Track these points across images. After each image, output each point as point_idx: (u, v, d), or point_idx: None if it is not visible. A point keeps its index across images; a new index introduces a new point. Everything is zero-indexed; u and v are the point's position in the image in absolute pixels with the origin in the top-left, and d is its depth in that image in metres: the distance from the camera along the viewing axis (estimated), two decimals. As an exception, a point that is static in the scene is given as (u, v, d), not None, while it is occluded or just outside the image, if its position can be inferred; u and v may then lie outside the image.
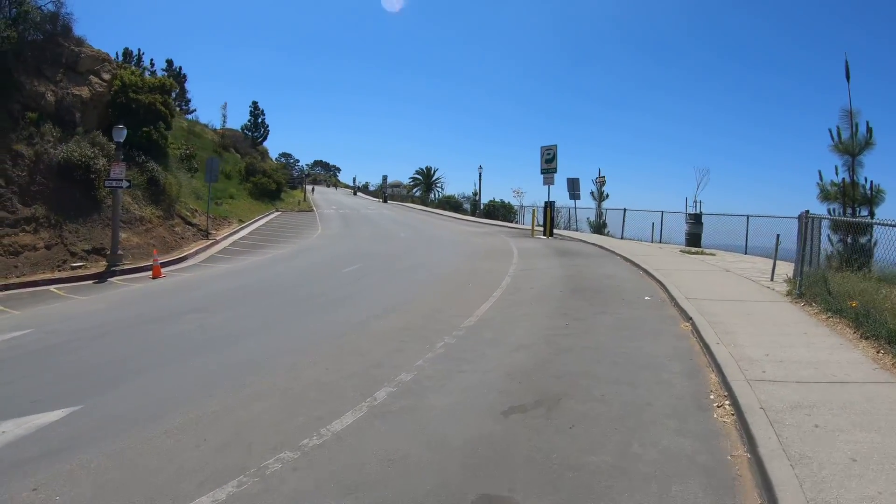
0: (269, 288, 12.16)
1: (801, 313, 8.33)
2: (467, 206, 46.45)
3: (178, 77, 40.36)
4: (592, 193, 28.55)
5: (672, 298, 9.65)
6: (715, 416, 4.75)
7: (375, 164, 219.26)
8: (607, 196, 28.34)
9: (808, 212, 9.91)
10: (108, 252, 15.00)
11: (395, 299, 10.31)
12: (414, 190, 69.40)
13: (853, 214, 11.93)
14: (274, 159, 57.77)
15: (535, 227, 26.09)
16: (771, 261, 12.23)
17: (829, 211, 12.21)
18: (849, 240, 10.86)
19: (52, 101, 16.72)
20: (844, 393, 4.92)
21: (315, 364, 6.37)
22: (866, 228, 10.28)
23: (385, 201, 60.35)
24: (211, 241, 20.38)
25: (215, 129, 42.14)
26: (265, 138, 49.30)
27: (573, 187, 27.86)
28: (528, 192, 57.17)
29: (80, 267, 14.47)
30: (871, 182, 11.89)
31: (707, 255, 17.05)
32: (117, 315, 9.60)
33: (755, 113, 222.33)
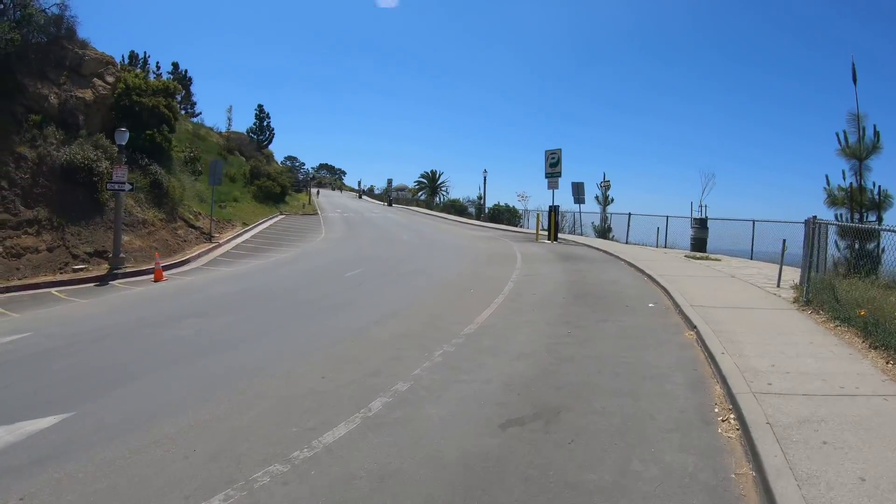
0: (269, 292, 12.07)
1: (808, 321, 8.17)
2: (472, 209, 46.39)
3: (183, 80, 40.48)
4: (597, 198, 28.47)
5: (676, 305, 9.51)
6: (719, 430, 4.60)
7: (381, 168, 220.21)
8: (612, 200, 28.25)
9: (815, 217, 9.75)
10: (111, 255, 14.97)
11: (396, 305, 10.21)
12: (419, 193, 69.41)
13: (861, 219, 11.78)
14: (279, 162, 57.92)
15: (540, 232, 25.98)
16: (777, 266, 12.07)
17: (836, 216, 12.07)
18: (856, 245, 10.71)
19: (56, 104, 16.72)
20: (853, 407, 4.77)
21: (311, 371, 6.26)
22: (874, 234, 10.12)
23: (390, 205, 60.38)
24: (214, 245, 20.34)
25: (220, 132, 42.25)
26: (270, 141, 49.39)
27: (578, 191, 27.74)
28: (533, 196, 57.19)
29: (81, 270, 14.44)
30: (879, 187, 11.77)
31: (712, 260, 16.89)
32: (117, 319, 9.53)
33: (761, 116, 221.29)
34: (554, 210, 25.13)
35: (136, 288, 13.12)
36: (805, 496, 3.33)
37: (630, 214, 24.85)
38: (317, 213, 40.77)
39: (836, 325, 7.64)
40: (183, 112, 36.27)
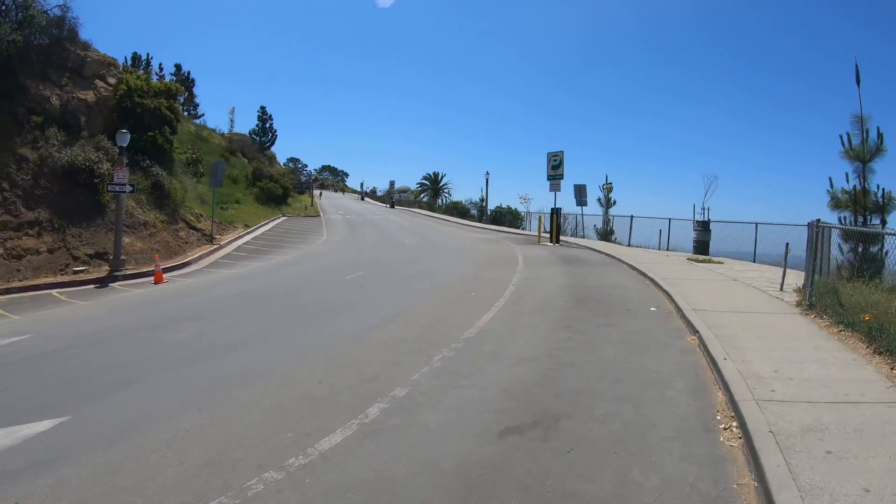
0: (270, 295, 12.03)
1: (811, 326, 8.09)
2: (474, 211, 46.35)
3: (186, 81, 40.55)
4: (599, 200, 28.37)
5: (678, 309, 9.43)
6: (721, 438, 4.53)
7: (383, 169, 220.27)
8: (614, 203, 28.16)
9: (819, 221, 9.67)
10: (111, 257, 14.96)
11: (396, 308, 10.15)
12: (421, 195, 69.34)
13: (864, 222, 11.70)
14: (282, 164, 57.97)
15: (542, 234, 25.90)
16: (780, 269, 11.99)
17: (839, 219, 11.98)
18: (859, 249, 10.62)
19: (58, 105, 16.74)
20: (857, 414, 4.69)
21: (309, 376, 6.20)
22: (878, 237, 10.04)
23: (392, 207, 60.32)
24: (215, 246, 20.33)
25: (223, 134, 42.30)
26: (273, 143, 49.39)
27: (580, 194, 27.68)
28: (535, 198, 57.11)
29: (82, 271, 14.43)
30: (883, 189, 11.68)
31: (715, 263, 16.80)
32: (116, 321, 9.51)
33: (765, 117, 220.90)
34: (556, 212, 25.07)
35: (137, 290, 13.10)
36: (808, 508, 3.26)
37: (632, 217, 24.79)
38: (319, 215, 40.76)
39: (840, 330, 7.56)
40: (185, 114, 36.34)
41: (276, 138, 49.54)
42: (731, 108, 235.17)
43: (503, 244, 24.14)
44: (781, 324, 8.19)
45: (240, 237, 23.86)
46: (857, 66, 11.84)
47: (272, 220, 31.79)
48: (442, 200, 62.99)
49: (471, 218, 44.88)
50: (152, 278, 14.34)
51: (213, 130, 40.50)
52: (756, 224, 17.84)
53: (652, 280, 12.88)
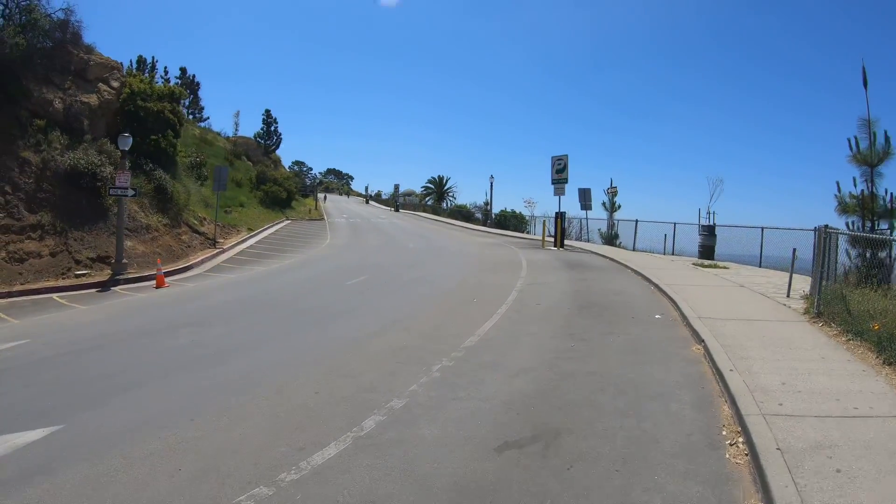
0: (270, 300, 11.94)
1: (819, 334, 7.93)
2: (479, 215, 46.29)
3: (191, 85, 40.69)
4: (604, 204, 28.22)
5: (684, 317, 9.28)
6: (727, 455, 4.37)
7: (388, 172, 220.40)
8: (619, 207, 27.99)
9: (826, 226, 9.50)
10: (113, 260, 14.90)
11: (397, 314, 10.03)
12: (426, 199, 69.34)
13: (872, 227, 11.51)
14: (287, 167, 58.03)
15: (546, 238, 25.75)
16: (786, 274, 11.82)
17: (847, 224, 11.78)
18: (867, 255, 10.44)
19: (61, 109, 16.72)
20: (867, 430, 4.54)
21: (305, 386, 6.09)
22: (886, 243, 9.85)
23: (397, 210, 60.27)
24: (218, 250, 20.27)
25: (228, 137, 42.41)
26: (277, 146, 49.49)
27: (585, 198, 27.53)
28: (540, 201, 56.75)
29: (84, 275, 14.38)
30: (892, 194, 11.46)
31: (720, 268, 16.62)
32: (114, 327, 9.43)
33: (771, 120, 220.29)
34: (560, 216, 24.91)
35: (138, 294, 13.03)
36: (818, 533, 3.12)
37: (637, 221, 24.66)
38: (323, 219, 40.74)
39: (849, 339, 7.41)
40: (190, 117, 36.46)
41: (280, 141, 49.70)
42: (738, 111, 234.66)
43: (507, 248, 24.01)
44: (789, 332, 8.03)
45: (243, 241, 23.81)
46: (864, 68, 11.66)
47: (276, 224, 31.76)
48: (447, 204, 63.02)
49: (475, 221, 44.79)
50: (154, 282, 14.28)
51: (218, 134, 40.62)
52: (762, 228, 17.67)
53: (657, 286, 12.72)
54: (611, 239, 26.74)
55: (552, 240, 25.18)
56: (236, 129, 47.68)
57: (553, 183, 26.31)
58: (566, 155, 26.23)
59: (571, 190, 27.08)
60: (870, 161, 11.50)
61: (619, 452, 4.40)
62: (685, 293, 11.27)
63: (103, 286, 13.90)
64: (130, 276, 14.76)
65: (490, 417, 5.14)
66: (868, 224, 11.59)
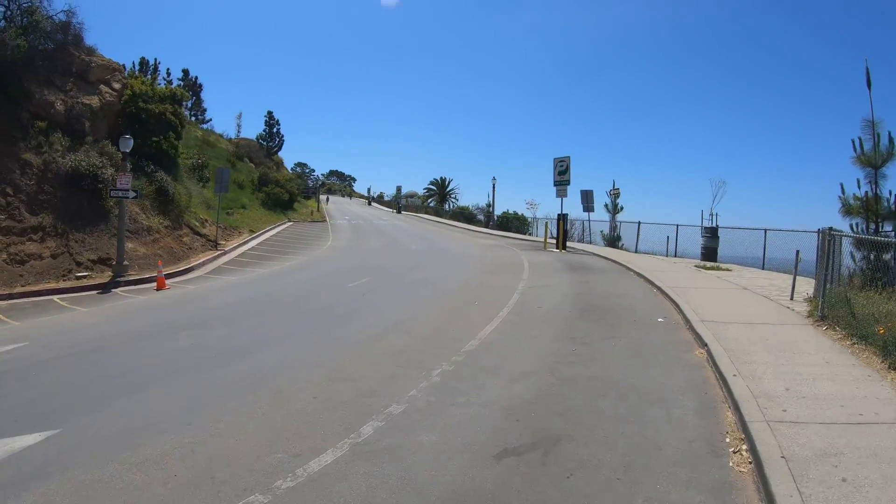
0: (270, 302, 11.90)
1: (823, 338, 7.85)
2: (481, 217, 46.25)
3: (193, 86, 40.74)
4: (606, 206, 28.15)
5: (686, 321, 9.20)
6: (731, 463, 4.30)
7: (390, 174, 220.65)
8: (621, 209, 27.92)
9: (830, 229, 9.41)
10: (114, 262, 14.88)
11: (398, 317, 9.98)
12: (428, 200, 69.35)
13: (877, 229, 11.43)
14: (289, 169, 58.10)
15: (548, 240, 25.68)
16: (790, 276, 11.73)
17: (851, 227, 11.70)
18: (872, 257, 10.36)
19: (62, 111, 16.73)
20: (873, 437, 4.46)
21: (304, 390, 6.04)
22: (890, 246, 9.77)
23: (399, 212, 60.26)
24: (219, 252, 20.26)
25: (230, 139, 42.44)
26: (280, 148, 49.51)
27: (587, 199, 27.44)
28: (542, 203, 56.97)
29: (85, 277, 14.36)
30: (896, 196, 11.38)
31: (723, 270, 16.53)
32: (114, 329, 9.39)
33: (775, 122, 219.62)
34: (562, 218, 24.83)
35: (138, 297, 13.00)
36: (824, 545, 3.05)
37: (640, 223, 24.59)
38: (325, 221, 40.72)
39: (853, 343, 7.33)
40: (193, 119, 36.49)
41: (283, 143, 49.69)
42: (740, 112, 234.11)
43: (509, 250, 23.94)
44: (792, 336, 7.94)
45: (244, 243, 23.80)
46: (867, 69, 11.59)
47: (278, 226, 31.74)
48: (449, 206, 63.01)
49: (477, 223, 44.73)
50: (155, 284, 14.26)
51: (221, 135, 40.64)
52: (765, 230, 17.60)
53: (659, 288, 12.64)
54: (613, 241, 26.66)
55: (554, 242, 25.10)
56: (238, 131, 47.70)
57: (555, 185, 26.22)
58: (568, 157, 26.15)
59: (574, 192, 27.00)
60: (874, 162, 11.42)
61: (621, 460, 4.33)
62: (688, 296, 11.19)
63: (104, 288, 13.88)
64: (131, 277, 14.74)
65: (490, 423, 5.08)
66: (872, 226, 11.51)
